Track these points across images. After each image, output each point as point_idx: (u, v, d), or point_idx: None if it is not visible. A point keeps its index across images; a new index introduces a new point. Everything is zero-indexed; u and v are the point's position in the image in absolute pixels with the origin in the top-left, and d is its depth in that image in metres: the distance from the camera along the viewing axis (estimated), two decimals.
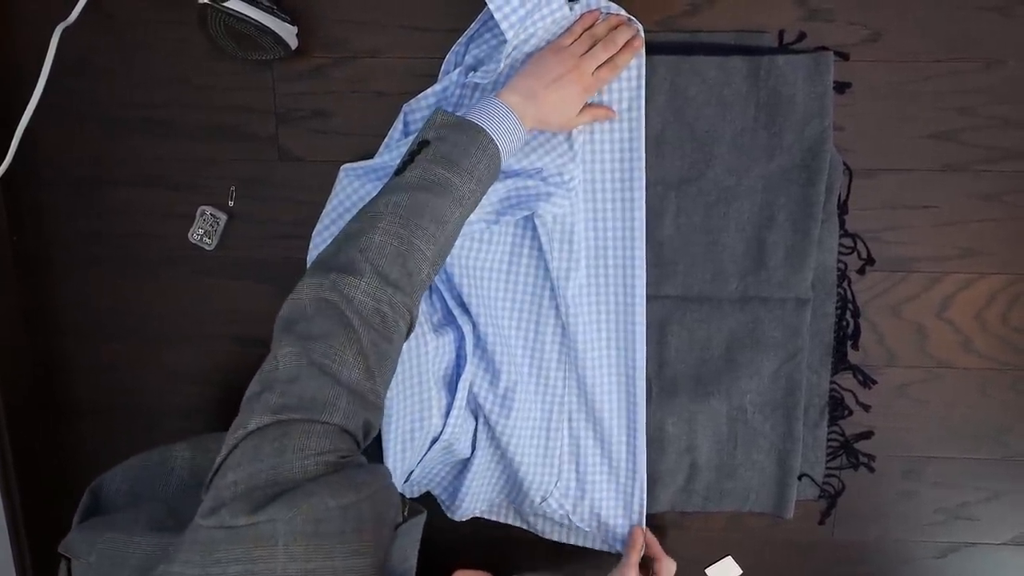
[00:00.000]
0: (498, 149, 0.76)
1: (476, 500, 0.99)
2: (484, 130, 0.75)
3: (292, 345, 0.63)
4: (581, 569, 1.05)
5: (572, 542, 1.03)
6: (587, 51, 0.84)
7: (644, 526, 0.99)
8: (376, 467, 0.64)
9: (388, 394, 0.91)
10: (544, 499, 0.98)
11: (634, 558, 0.92)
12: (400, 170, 0.74)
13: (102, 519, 0.76)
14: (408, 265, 0.68)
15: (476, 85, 0.88)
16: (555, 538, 1.04)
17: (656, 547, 0.95)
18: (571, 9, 0.86)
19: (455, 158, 0.73)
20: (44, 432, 1.09)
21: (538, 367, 0.97)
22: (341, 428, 0.61)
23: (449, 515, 1.00)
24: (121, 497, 0.78)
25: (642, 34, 0.89)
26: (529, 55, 0.87)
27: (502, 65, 0.86)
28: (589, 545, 1.03)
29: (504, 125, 0.77)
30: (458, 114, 0.77)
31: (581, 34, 0.85)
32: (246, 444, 0.58)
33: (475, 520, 1.03)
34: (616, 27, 0.87)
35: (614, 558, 0.99)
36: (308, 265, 0.91)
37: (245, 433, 0.59)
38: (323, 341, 0.63)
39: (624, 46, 0.86)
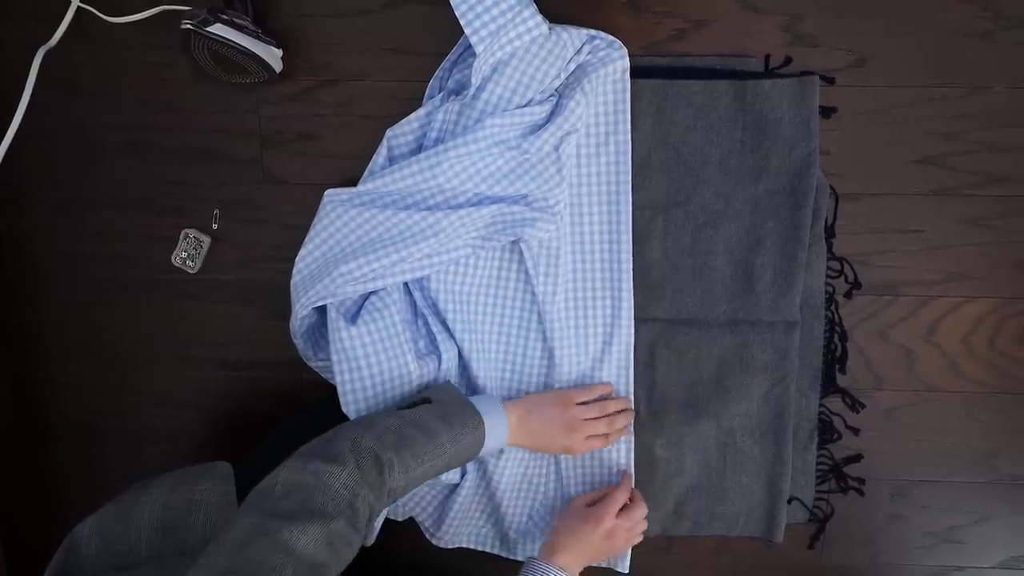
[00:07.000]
0: (484, 437, 0.82)
1: (461, 529, 0.98)
2: (480, 416, 0.82)
3: (251, 517, 0.62)
4: None
5: None
6: (591, 419, 0.91)
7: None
8: None
9: None
10: (530, 517, 0.99)
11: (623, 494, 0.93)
12: (399, 408, 0.81)
13: None
14: (383, 475, 0.71)
15: (460, 108, 0.88)
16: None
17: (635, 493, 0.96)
18: (550, 30, 0.86)
19: (449, 419, 0.80)
20: (25, 455, 1.07)
21: (525, 392, 0.96)
22: None
23: (432, 541, 0.99)
24: (93, 546, 0.77)
25: (627, 63, 0.89)
26: (503, 71, 0.86)
27: (474, 79, 0.86)
28: None
29: (496, 430, 0.84)
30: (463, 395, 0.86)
31: (594, 401, 0.93)
32: None
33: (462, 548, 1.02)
34: (623, 410, 0.94)
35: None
36: (291, 291, 0.90)
37: None
38: (286, 519, 0.61)
39: (620, 429, 0.94)
